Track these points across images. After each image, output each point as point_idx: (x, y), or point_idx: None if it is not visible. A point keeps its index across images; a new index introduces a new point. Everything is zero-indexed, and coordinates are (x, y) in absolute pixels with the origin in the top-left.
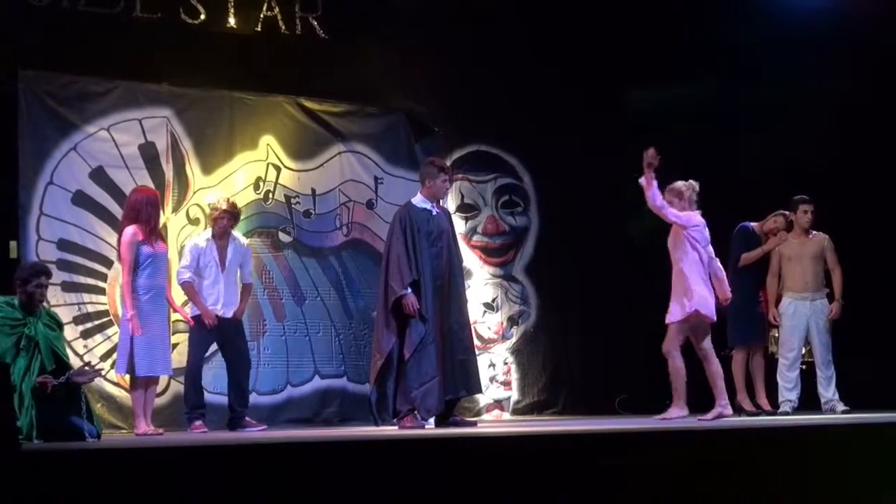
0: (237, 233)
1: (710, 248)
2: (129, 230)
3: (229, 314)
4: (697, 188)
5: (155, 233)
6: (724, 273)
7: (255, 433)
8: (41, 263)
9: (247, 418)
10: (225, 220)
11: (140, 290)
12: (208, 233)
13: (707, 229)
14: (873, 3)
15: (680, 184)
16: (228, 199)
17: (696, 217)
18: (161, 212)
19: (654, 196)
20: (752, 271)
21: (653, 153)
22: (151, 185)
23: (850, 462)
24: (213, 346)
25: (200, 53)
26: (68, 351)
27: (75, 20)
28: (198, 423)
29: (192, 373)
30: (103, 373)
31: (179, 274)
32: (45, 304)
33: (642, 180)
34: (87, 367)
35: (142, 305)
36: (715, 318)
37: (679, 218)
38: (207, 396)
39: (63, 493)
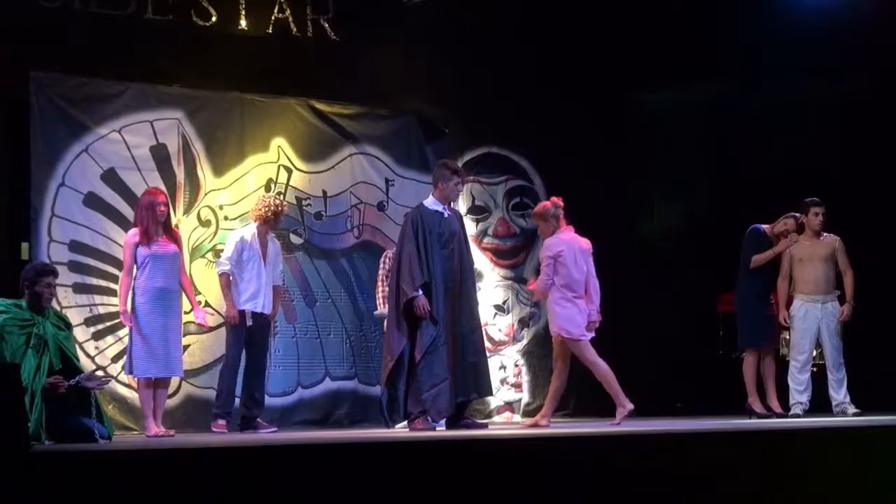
0: (240, 230)
1: (589, 263)
2: (129, 232)
3: (267, 311)
4: (561, 203)
5: (152, 234)
6: (598, 296)
7: (266, 434)
8: (46, 263)
9: (258, 420)
10: (283, 215)
11: (137, 290)
12: (252, 227)
13: (578, 244)
14: (882, 2)
15: (545, 208)
16: (275, 195)
17: (560, 240)
18: (159, 211)
19: (544, 289)
20: (763, 273)
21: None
22: (163, 187)
23: (861, 464)
24: (221, 351)
25: (212, 55)
26: (80, 352)
27: (86, 22)
28: (221, 421)
29: (231, 372)
30: (111, 380)
31: (219, 265)
32: (57, 304)
33: (531, 288)
34: (96, 374)
35: (138, 306)
36: (585, 337)
37: (550, 264)
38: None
39: (73, 493)
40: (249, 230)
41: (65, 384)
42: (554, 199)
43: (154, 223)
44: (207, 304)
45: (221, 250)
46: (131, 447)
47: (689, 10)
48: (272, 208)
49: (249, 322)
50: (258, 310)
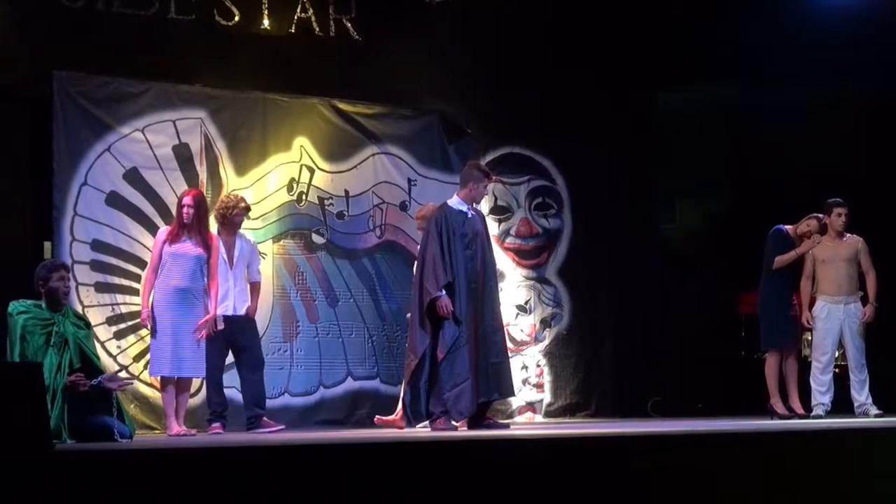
0: (243, 230)
1: None
2: (161, 229)
3: (241, 312)
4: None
5: (178, 232)
6: None
7: (274, 433)
8: (57, 259)
9: (264, 419)
10: (244, 216)
11: (156, 289)
12: (214, 229)
13: None
14: None
15: (430, 210)
16: (239, 195)
17: None
18: (182, 212)
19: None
20: (786, 274)
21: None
22: (185, 187)
23: (884, 465)
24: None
25: (234, 55)
26: (102, 351)
27: (109, 21)
28: (215, 424)
29: (210, 376)
30: (134, 382)
31: None
32: (79, 303)
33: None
34: (118, 374)
35: (155, 305)
36: None
37: None
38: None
39: (94, 492)
40: None
41: (86, 383)
42: (432, 204)
43: (178, 223)
44: None
45: None
46: (153, 446)
47: (713, 10)
48: (228, 212)
49: (221, 326)
50: (229, 313)
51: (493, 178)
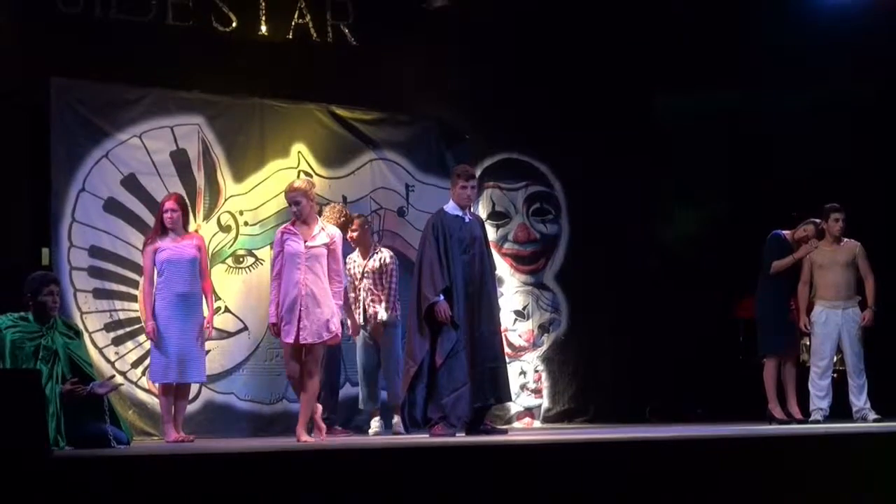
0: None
1: None
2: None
3: None
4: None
5: (155, 238)
6: None
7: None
8: (47, 272)
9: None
10: None
11: (155, 296)
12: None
13: None
14: None
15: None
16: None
17: None
18: (166, 217)
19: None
20: (784, 279)
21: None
22: (183, 193)
23: (882, 470)
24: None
25: (232, 61)
26: (100, 357)
27: (107, 28)
28: (339, 427)
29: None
30: (124, 384)
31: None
32: (76, 310)
33: None
34: (107, 381)
35: (156, 311)
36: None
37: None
38: (241, 405)
39: (92, 498)
40: None
41: (84, 389)
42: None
43: (157, 229)
44: (227, 310)
45: (242, 256)
46: (150, 452)
47: (711, 14)
48: (344, 221)
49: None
50: None
51: (470, 179)
